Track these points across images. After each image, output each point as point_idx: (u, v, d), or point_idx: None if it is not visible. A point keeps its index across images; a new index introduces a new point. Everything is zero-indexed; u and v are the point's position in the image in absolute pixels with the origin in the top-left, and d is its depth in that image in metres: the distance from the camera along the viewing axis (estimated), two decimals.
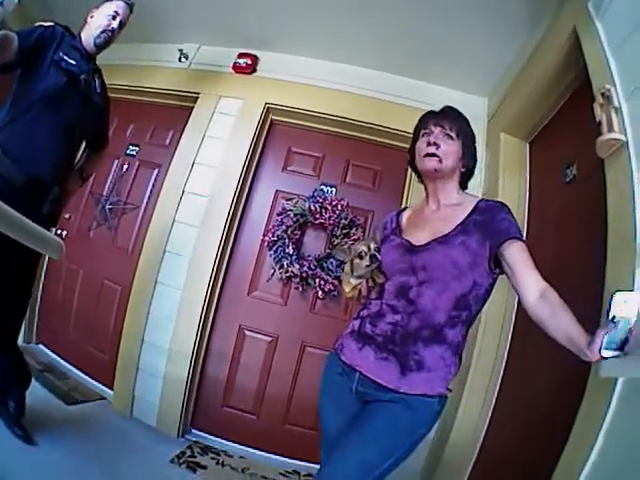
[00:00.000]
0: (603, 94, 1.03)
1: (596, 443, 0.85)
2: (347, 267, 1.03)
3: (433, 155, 0.94)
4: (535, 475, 1.07)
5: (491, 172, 1.85)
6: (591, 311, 0.92)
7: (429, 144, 0.95)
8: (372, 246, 0.98)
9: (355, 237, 2.00)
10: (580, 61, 1.25)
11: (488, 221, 0.89)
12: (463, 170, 0.99)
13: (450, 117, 0.98)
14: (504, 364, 1.57)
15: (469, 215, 0.92)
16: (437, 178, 0.97)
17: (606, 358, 0.70)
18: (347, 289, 1.02)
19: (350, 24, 1.90)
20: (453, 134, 0.95)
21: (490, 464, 1.47)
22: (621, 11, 1.10)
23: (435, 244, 0.90)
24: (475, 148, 1.01)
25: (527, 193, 1.74)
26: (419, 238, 0.94)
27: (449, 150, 0.94)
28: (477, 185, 1.86)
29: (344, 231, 1.99)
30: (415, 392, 0.85)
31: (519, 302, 1.50)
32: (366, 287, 0.98)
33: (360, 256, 0.98)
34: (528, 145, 1.82)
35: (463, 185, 1.02)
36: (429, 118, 0.99)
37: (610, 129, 0.99)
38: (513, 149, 1.81)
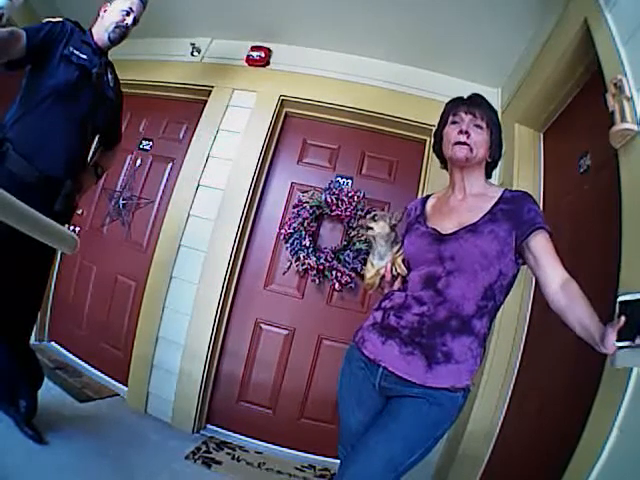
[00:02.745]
0: (615, 84, 1.03)
1: (611, 434, 0.85)
2: (370, 254, 1.03)
3: (464, 144, 0.92)
4: (551, 466, 1.06)
5: (506, 163, 1.85)
6: (607, 301, 0.90)
7: (460, 132, 0.93)
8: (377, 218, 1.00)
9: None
10: (591, 52, 1.25)
11: (515, 211, 0.88)
12: (489, 160, 0.98)
13: (481, 106, 0.96)
14: (520, 356, 1.56)
15: (495, 204, 0.91)
16: (465, 167, 0.95)
17: (621, 348, 0.71)
18: (368, 274, 1.01)
19: (363, 16, 1.90)
20: (483, 124, 0.94)
21: (506, 455, 1.46)
22: (630, 1, 1.10)
23: (463, 233, 0.89)
24: (501, 138, 0.99)
25: (541, 184, 1.73)
26: (445, 227, 0.93)
27: (479, 140, 0.93)
28: (492, 176, 1.86)
29: (360, 223, 1.98)
30: (442, 385, 0.84)
31: (535, 294, 1.54)
32: (389, 275, 0.97)
33: (374, 219, 1.00)
34: (542, 136, 1.82)
35: (488, 174, 1.01)
36: (460, 104, 0.98)
37: (623, 119, 0.99)
38: (527, 140, 1.81)
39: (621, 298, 0.74)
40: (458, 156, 0.93)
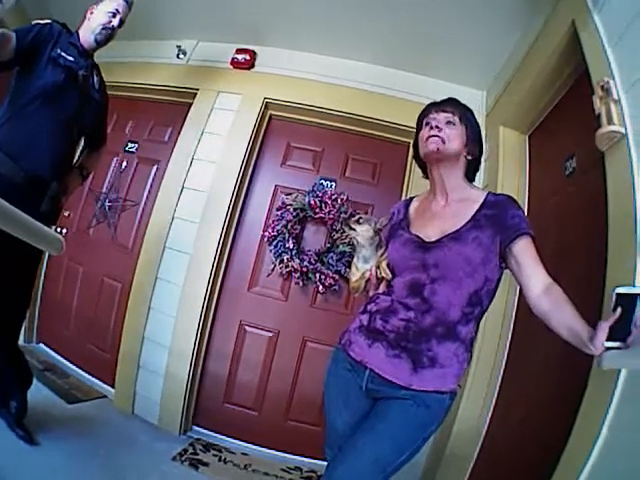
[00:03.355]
0: (602, 87, 1.03)
1: (600, 436, 0.85)
2: (355, 257, 1.03)
3: (435, 136, 0.92)
4: (539, 467, 1.06)
5: (491, 166, 1.85)
6: (593, 303, 0.92)
7: (431, 128, 0.94)
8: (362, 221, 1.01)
9: None
10: (579, 54, 1.24)
11: (499, 216, 0.88)
12: (469, 158, 0.97)
13: (452, 104, 0.97)
14: (506, 357, 1.57)
15: (479, 210, 0.90)
16: (440, 160, 0.94)
17: (608, 349, 0.70)
18: (353, 278, 1.02)
19: (348, 18, 1.90)
20: (456, 119, 0.94)
21: (494, 455, 1.46)
22: (619, 3, 1.10)
23: (447, 240, 0.88)
24: (480, 135, 0.99)
25: (527, 186, 1.73)
26: (429, 234, 0.92)
27: (452, 133, 0.93)
28: (477, 178, 1.85)
29: (346, 222, 1.99)
30: (427, 388, 0.84)
31: (520, 295, 1.54)
32: (374, 278, 0.98)
33: (358, 221, 1.01)
34: (527, 138, 1.82)
35: (470, 177, 1.00)
36: (431, 106, 0.99)
37: (609, 121, 0.99)
38: (512, 142, 1.81)
39: (619, 290, 0.73)
40: (430, 148, 0.93)
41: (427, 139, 0.94)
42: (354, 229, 1.00)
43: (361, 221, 1.00)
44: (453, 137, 0.93)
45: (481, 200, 0.92)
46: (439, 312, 0.86)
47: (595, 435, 0.85)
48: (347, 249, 1.95)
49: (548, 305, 0.81)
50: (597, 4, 1.18)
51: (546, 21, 1.51)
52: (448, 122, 0.94)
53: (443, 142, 0.92)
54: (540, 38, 1.55)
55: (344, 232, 1.08)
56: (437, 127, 0.93)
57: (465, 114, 0.96)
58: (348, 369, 0.94)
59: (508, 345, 1.58)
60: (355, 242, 1.02)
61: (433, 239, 0.90)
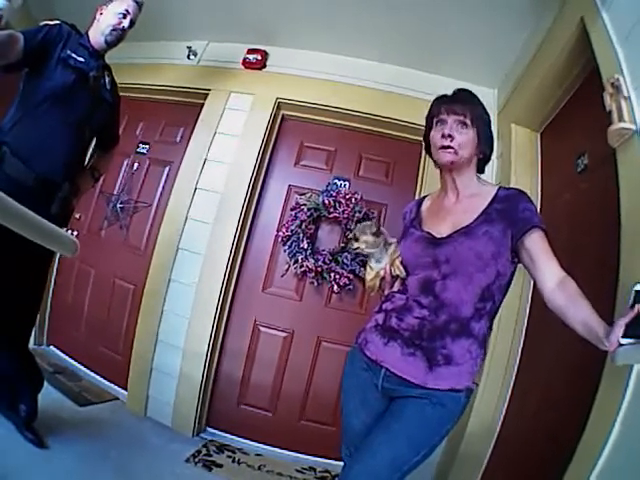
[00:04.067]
0: (612, 84, 1.04)
1: (613, 430, 0.85)
2: (368, 259, 1.03)
3: (448, 147, 0.91)
4: (553, 464, 1.06)
5: (503, 163, 1.86)
6: (605, 300, 0.92)
7: (443, 136, 0.91)
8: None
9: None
10: (588, 51, 1.25)
11: (509, 210, 0.88)
12: (480, 157, 0.96)
13: (463, 102, 0.94)
14: (520, 354, 1.57)
15: (490, 204, 0.90)
16: (453, 169, 0.94)
17: (622, 345, 0.70)
18: (368, 277, 1.02)
19: (359, 17, 1.90)
20: (467, 121, 0.91)
21: (507, 453, 1.46)
22: (627, 1, 1.11)
23: (457, 236, 0.88)
24: (491, 132, 0.97)
25: (539, 184, 1.73)
26: (440, 230, 0.92)
27: (464, 140, 0.91)
28: (489, 176, 1.87)
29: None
30: (442, 387, 0.84)
31: (534, 290, 1.54)
32: (389, 275, 0.98)
33: (355, 238, 0.99)
34: (539, 136, 1.82)
35: (480, 170, 0.99)
36: (441, 104, 0.95)
37: (620, 118, 0.99)
38: (524, 140, 1.81)
39: (638, 287, 0.73)
40: (443, 161, 0.93)
41: (439, 149, 0.92)
42: (357, 247, 1.00)
43: (357, 235, 0.99)
44: (465, 144, 0.91)
45: (492, 195, 0.92)
46: (452, 308, 0.85)
47: (608, 429, 0.85)
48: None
49: (563, 300, 0.80)
50: (605, 1, 1.18)
51: (555, 19, 1.52)
52: (459, 124, 0.91)
53: (456, 153, 0.91)
54: (549, 35, 1.55)
55: (350, 250, 1.08)
56: (449, 136, 0.90)
57: (476, 111, 0.93)
58: (364, 368, 0.94)
59: (522, 341, 1.57)
60: (362, 252, 1.02)
61: (444, 235, 0.90)
